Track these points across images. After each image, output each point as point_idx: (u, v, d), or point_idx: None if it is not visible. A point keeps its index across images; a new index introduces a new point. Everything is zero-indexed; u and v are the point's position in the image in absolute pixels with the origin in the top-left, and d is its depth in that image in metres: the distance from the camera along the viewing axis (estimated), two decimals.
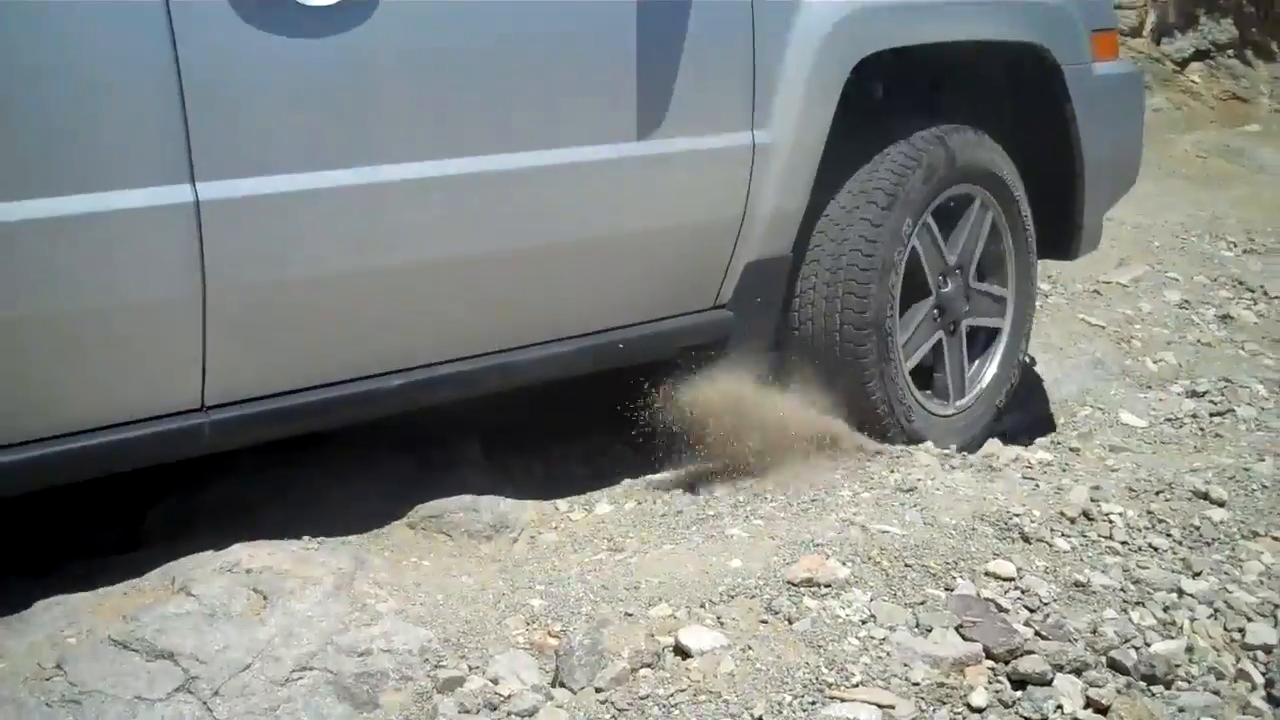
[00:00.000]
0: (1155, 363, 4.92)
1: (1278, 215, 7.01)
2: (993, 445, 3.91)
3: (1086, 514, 3.17)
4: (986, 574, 2.83)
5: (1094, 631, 2.70)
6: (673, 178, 3.07)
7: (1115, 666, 2.61)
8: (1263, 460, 3.84)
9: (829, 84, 3.27)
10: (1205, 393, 4.62)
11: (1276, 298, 5.79)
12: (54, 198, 2.23)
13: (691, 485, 3.40)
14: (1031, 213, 3.85)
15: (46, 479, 2.43)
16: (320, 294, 2.60)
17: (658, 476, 3.45)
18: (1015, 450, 3.76)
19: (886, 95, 3.66)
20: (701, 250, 3.22)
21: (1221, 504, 3.35)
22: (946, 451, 3.63)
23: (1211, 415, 4.44)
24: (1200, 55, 9.11)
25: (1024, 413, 4.50)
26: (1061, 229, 3.99)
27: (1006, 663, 2.56)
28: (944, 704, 2.44)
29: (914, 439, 3.57)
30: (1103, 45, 3.89)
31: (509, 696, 2.42)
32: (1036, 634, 2.65)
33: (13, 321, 2.29)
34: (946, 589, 2.76)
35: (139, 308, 2.40)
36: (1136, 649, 2.67)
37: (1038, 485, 3.34)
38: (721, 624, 2.59)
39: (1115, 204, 4.26)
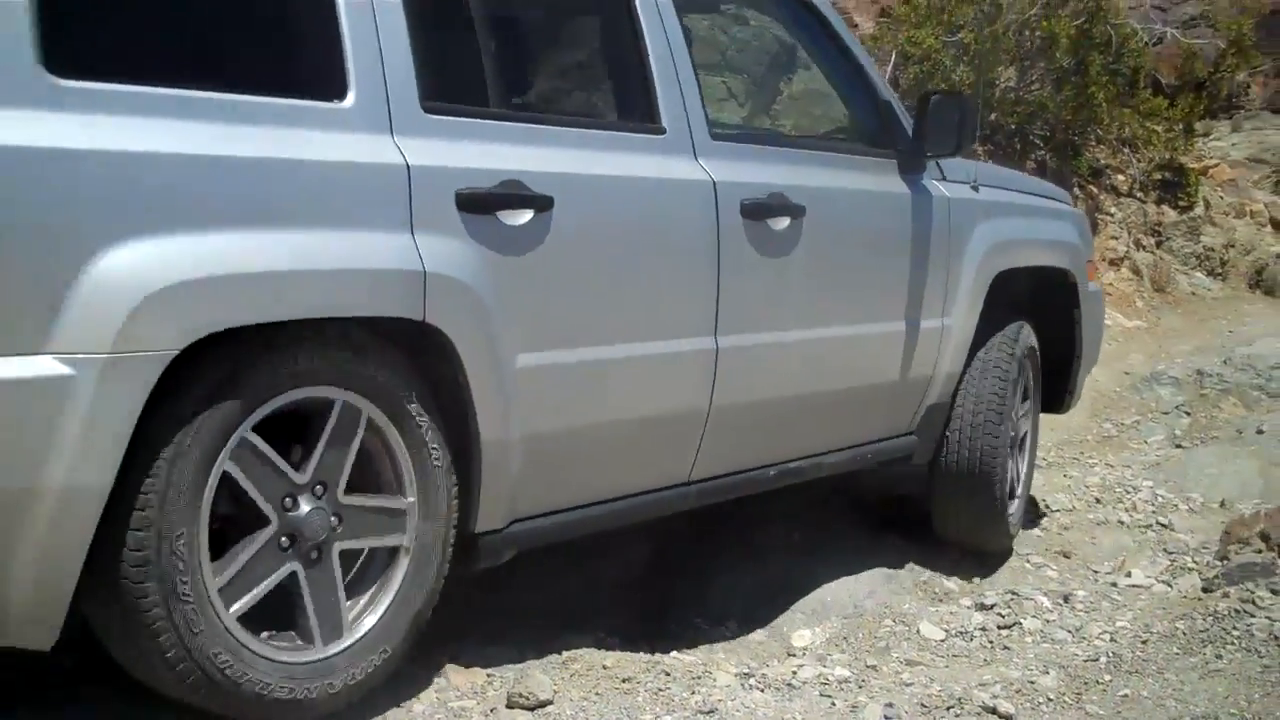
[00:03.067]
0: (948, 580, 5.26)
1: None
2: (790, 663, 4.18)
3: None
4: None
5: None
6: (908, 346, 4.95)
7: None
8: (1048, 673, 4.19)
9: (981, 288, 5.25)
10: (993, 605, 4.97)
11: (1058, 511, 6.31)
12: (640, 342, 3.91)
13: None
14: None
15: (589, 529, 3.97)
16: (754, 412, 4.36)
17: None
18: (816, 668, 4.06)
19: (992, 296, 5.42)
20: (910, 395, 5.10)
21: (1009, 718, 3.67)
22: (746, 669, 3.86)
23: (999, 628, 4.78)
24: None
25: (822, 624, 4.78)
26: (1061, 392, 6.02)
27: None
28: None
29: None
30: (1090, 270, 6.07)
31: None
32: None
33: (580, 430, 3.80)
34: None
35: (673, 416, 4.08)
36: None
37: (834, 703, 3.58)
38: None
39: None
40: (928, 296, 5.03)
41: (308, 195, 3.14)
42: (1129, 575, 5.43)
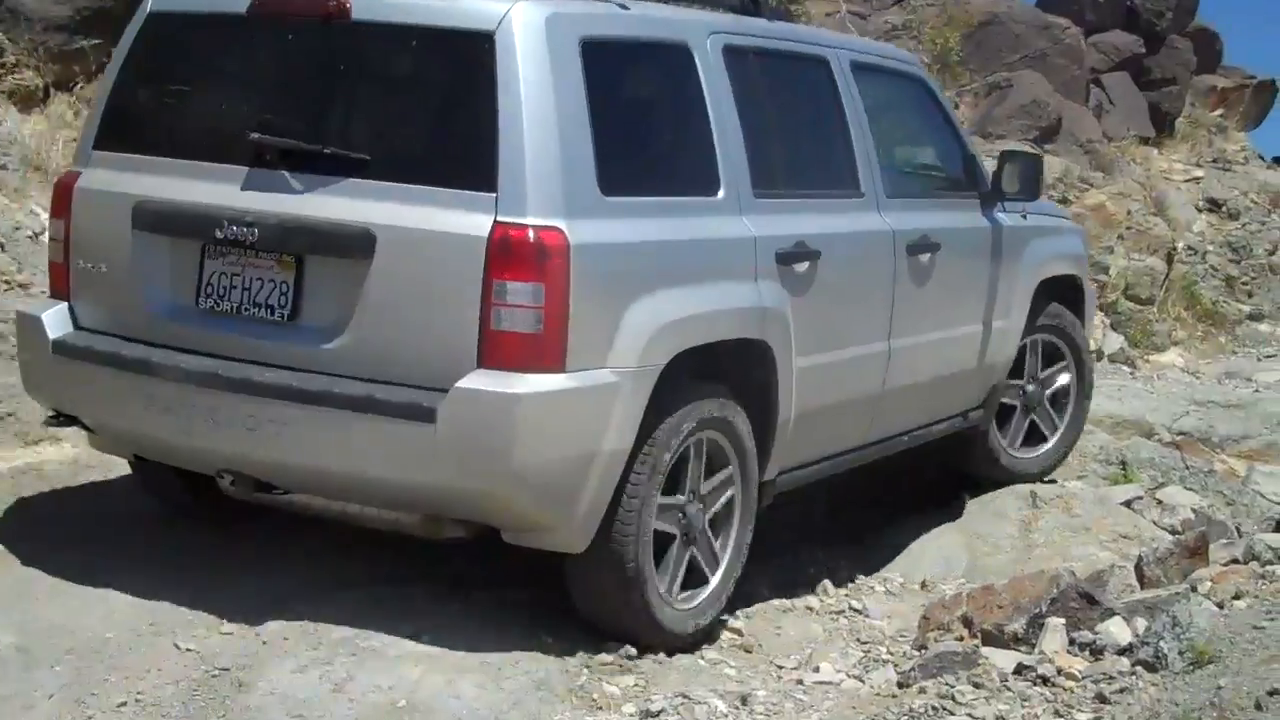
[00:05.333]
0: (610, 683, 4.83)
1: None
2: None
3: None
4: None
5: None
6: (989, 340, 6.99)
7: None
8: None
9: (1029, 293, 7.27)
10: (659, 712, 4.58)
11: (738, 596, 5.85)
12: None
13: None
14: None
15: (820, 477, 6.14)
16: (895, 395, 6.34)
17: None
18: None
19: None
20: (985, 377, 7.10)
21: None
22: None
23: None
24: None
25: None
26: None
27: None
28: None
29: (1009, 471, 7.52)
30: (1087, 275, 8.15)
31: None
32: None
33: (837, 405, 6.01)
34: None
35: (863, 397, 6.19)
36: None
37: None
38: None
39: None
40: (1000, 303, 7.08)
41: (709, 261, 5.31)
42: (817, 670, 5.25)
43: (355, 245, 4.80)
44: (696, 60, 5.40)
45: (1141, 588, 5.72)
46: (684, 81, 5.39)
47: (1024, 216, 7.21)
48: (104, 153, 5.35)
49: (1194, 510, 7.44)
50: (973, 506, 7.21)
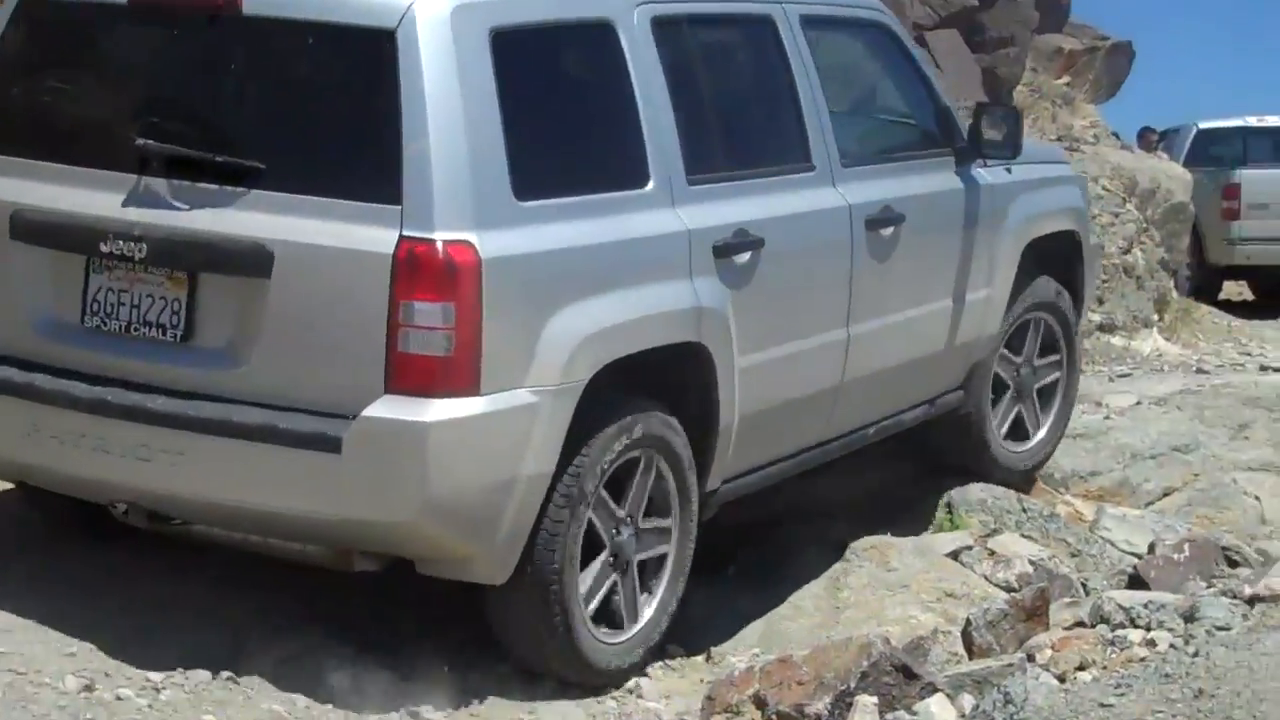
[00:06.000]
0: None
1: None
2: None
3: None
4: None
5: None
6: (965, 315, 7.46)
7: None
8: None
9: (1015, 258, 7.72)
10: None
11: None
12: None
13: None
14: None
15: (768, 483, 6.80)
16: (858, 386, 6.90)
17: None
18: None
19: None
20: (964, 355, 7.60)
21: None
22: None
23: None
24: None
25: None
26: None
27: None
28: None
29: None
30: (1086, 229, 8.66)
31: None
32: None
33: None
34: None
35: (818, 393, 6.74)
36: None
37: None
38: None
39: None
40: (978, 271, 7.47)
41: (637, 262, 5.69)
42: None
43: (251, 262, 5.12)
44: (621, 38, 5.72)
45: (970, 657, 5.80)
46: (608, 65, 5.72)
47: (1008, 170, 7.68)
48: None
49: (1032, 563, 7.36)
50: (771, 555, 7.08)
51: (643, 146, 5.72)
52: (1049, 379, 8.36)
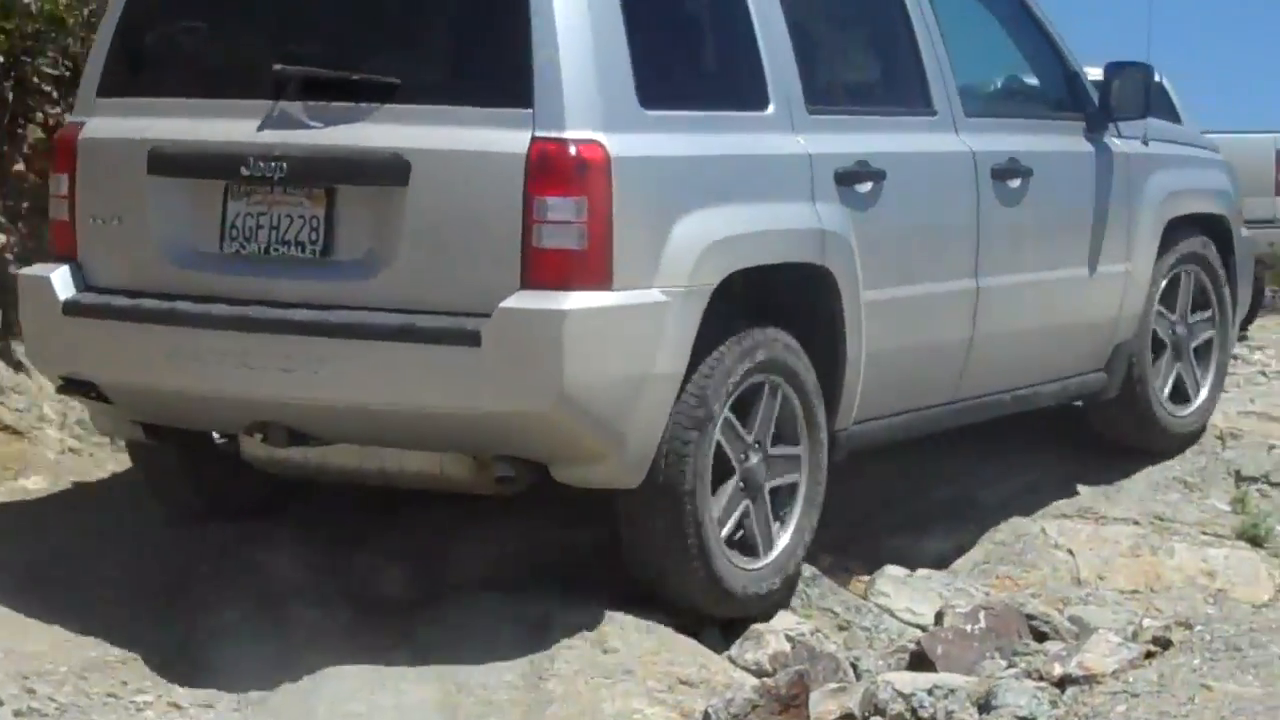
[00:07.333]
0: None
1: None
2: None
3: None
4: None
5: None
6: (1107, 288, 7.75)
7: None
8: None
9: (1156, 234, 7.93)
10: None
11: None
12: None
13: None
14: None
15: (899, 437, 7.09)
16: (989, 344, 7.18)
17: None
18: None
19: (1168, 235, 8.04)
20: (1104, 334, 7.81)
21: None
22: None
23: None
24: None
25: None
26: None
27: None
28: None
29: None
30: (1237, 218, 8.73)
31: None
32: None
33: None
34: None
35: (945, 343, 7.03)
36: None
37: None
38: None
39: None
40: (1113, 242, 7.59)
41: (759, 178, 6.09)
42: None
43: (389, 172, 5.52)
44: None
45: None
46: None
47: (1145, 143, 7.87)
48: (110, 99, 6.08)
49: (789, 639, 6.28)
50: (449, 635, 5.92)
51: (762, 70, 6.09)
52: (1204, 336, 8.46)
